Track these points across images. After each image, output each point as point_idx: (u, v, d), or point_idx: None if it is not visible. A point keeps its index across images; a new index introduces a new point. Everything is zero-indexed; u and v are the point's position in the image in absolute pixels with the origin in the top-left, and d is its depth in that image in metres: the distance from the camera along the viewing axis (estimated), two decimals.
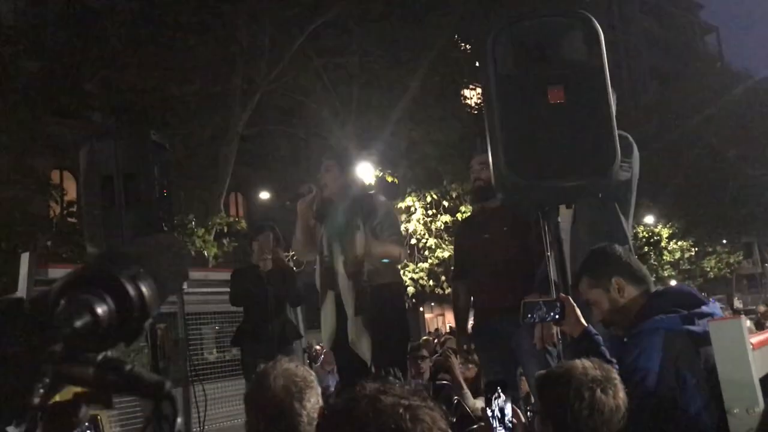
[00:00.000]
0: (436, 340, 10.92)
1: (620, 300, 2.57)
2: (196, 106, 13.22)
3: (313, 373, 2.15)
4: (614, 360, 2.38)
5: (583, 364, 2.06)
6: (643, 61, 42.92)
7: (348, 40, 14.38)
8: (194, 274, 5.34)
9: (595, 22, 2.94)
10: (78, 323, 0.63)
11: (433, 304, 26.42)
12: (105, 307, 0.66)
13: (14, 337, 0.63)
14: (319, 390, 2.11)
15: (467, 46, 14.97)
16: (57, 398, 0.67)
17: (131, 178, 3.81)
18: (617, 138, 2.86)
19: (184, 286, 4.74)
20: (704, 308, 2.44)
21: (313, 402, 2.05)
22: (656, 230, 25.52)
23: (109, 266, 0.69)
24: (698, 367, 2.34)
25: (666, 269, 26.33)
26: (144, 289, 0.69)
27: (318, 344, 14.95)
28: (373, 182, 13.91)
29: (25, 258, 4.47)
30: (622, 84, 33.31)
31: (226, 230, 13.46)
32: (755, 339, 2.34)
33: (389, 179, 14.80)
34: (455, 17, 13.54)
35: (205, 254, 12.43)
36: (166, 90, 12.66)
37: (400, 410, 1.29)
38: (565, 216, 3.30)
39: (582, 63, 2.92)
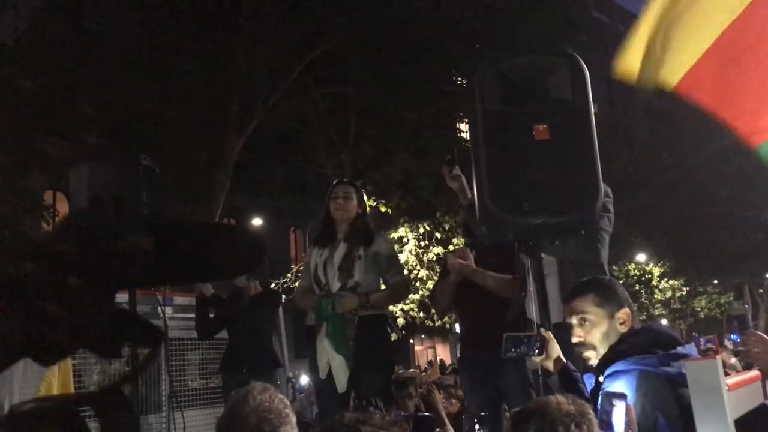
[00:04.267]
0: (423, 374, 10.86)
1: (619, 330, 2.56)
2: (192, 131, 13.27)
3: (288, 403, 2.10)
4: (590, 398, 2.38)
5: (557, 399, 2.06)
6: (637, 99, 43.34)
7: (346, 70, 14.52)
8: (179, 300, 5.33)
9: (581, 60, 2.99)
10: None
11: (423, 336, 26.30)
12: None
13: None
14: (294, 420, 2.07)
15: (463, 80, 15.13)
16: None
17: (119, 201, 3.82)
18: (600, 175, 2.90)
19: (169, 311, 4.74)
20: (680, 349, 2.45)
21: None
22: (647, 268, 25.58)
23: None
24: (673, 408, 2.34)
25: (657, 308, 26.34)
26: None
27: (305, 375, 14.83)
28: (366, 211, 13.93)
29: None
30: (616, 122, 33.61)
31: None
32: (731, 380, 2.35)
33: (382, 209, 14.84)
34: (449, 52, 13.70)
35: None
36: (163, 114, 12.72)
37: None
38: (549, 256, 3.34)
39: (567, 101, 2.97)
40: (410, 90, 13.87)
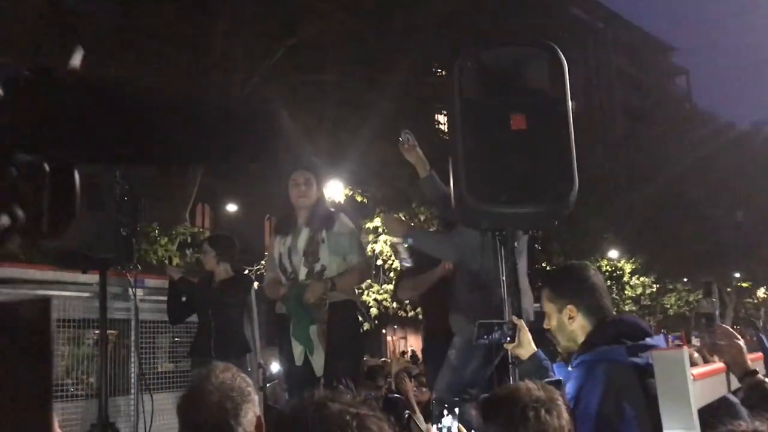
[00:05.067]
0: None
1: (568, 326, 2.60)
2: None
3: (251, 382, 2.09)
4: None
5: (527, 385, 2.08)
6: (614, 97, 43.72)
7: (326, 58, 14.44)
8: (151, 282, 5.28)
9: (560, 53, 3.01)
10: None
11: (396, 326, 26.38)
12: None
13: None
14: (257, 400, 2.06)
15: (443, 71, 15.14)
16: None
17: (92, 180, 3.78)
18: (575, 167, 2.92)
19: (140, 293, 4.70)
20: (649, 340, 2.48)
21: (250, 417, 1.96)
22: (619, 265, 25.88)
23: None
24: (639, 398, 2.37)
25: (627, 304, 26.66)
26: None
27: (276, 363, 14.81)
28: (342, 200, 13.94)
29: None
30: (594, 118, 33.84)
31: (190, 241, 13.33)
32: (697, 370, 2.39)
33: (359, 198, 14.83)
34: (430, 43, 13.71)
35: (167, 264, 12.28)
36: None
37: (347, 417, 1.30)
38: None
39: (545, 92, 2.99)
40: (390, 80, 13.86)
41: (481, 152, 2.95)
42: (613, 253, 25.75)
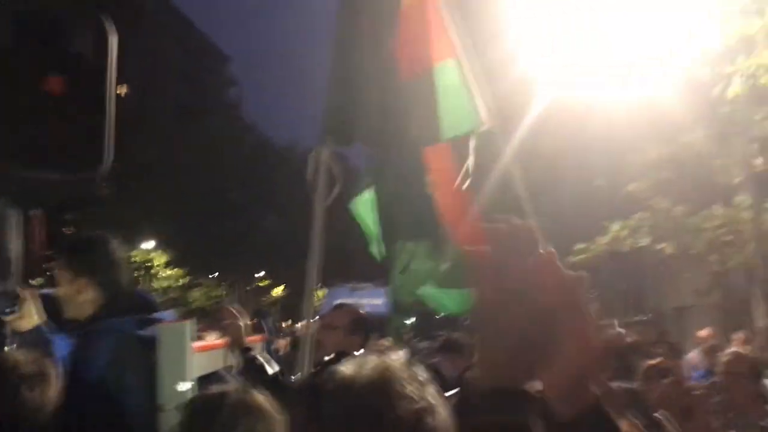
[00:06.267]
0: None
1: (78, 297, 2.56)
2: None
3: None
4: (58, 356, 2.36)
5: (18, 356, 1.99)
6: (168, 92, 43.82)
7: None
8: None
9: (108, 24, 2.93)
10: None
11: None
12: None
13: None
14: None
15: None
16: None
17: None
18: (110, 142, 2.86)
19: None
20: (156, 314, 2.60)
21: None
22: (151, 256, 26.06)
23: None
24: (143, 369, 2.46)
25: (155, 294, 26.95)
26: None
27: None
28: None
29: None
30: (144, 108, 33.41)
31: None
32: (197, 344, 2.59)
33: None
34: None
35: None
36: None
37: None
38: None
39: (88, 60, 2.87)
40: None
41: (7, 108, 2.70)
42: (149, 244, 25.82)
